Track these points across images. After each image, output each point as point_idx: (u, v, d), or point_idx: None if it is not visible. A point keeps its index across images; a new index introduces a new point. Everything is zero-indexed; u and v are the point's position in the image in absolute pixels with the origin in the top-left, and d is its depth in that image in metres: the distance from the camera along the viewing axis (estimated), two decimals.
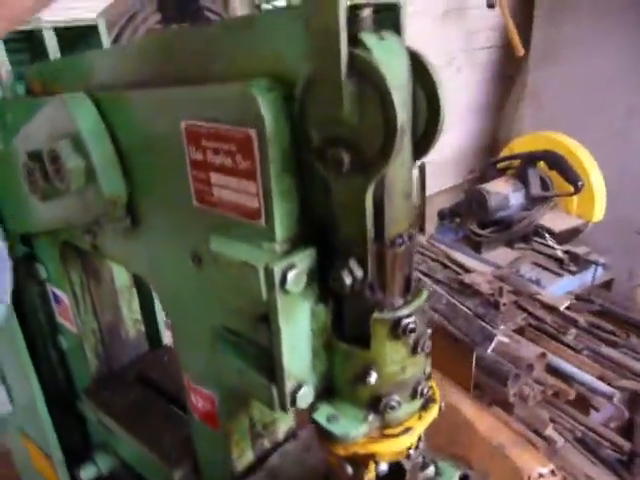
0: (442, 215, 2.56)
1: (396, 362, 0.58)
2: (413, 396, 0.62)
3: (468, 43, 3.13)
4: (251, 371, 0.64)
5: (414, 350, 0.59)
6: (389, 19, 0.52)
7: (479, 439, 1.85)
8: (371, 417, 0.60)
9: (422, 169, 3.46)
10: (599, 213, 2.28)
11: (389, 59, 0.48)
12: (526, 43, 3.08)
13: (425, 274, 2.30)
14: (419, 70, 0.52)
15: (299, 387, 0.61)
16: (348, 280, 0.54)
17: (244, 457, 0.88)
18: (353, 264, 0.55)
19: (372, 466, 0.66)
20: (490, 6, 2.99)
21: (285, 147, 0.54)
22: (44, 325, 1.17)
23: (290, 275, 0.54)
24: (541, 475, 1.70)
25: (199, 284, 0.70)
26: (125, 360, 1.23)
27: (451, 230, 2.55)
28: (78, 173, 0.74)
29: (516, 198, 2.25)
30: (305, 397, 0.62)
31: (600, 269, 2.23)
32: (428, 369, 0.63)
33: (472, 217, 2.33)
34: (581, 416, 2.22)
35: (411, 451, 0.70)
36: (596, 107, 2.79)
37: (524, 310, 2.06)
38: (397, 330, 0.56)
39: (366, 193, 0.51)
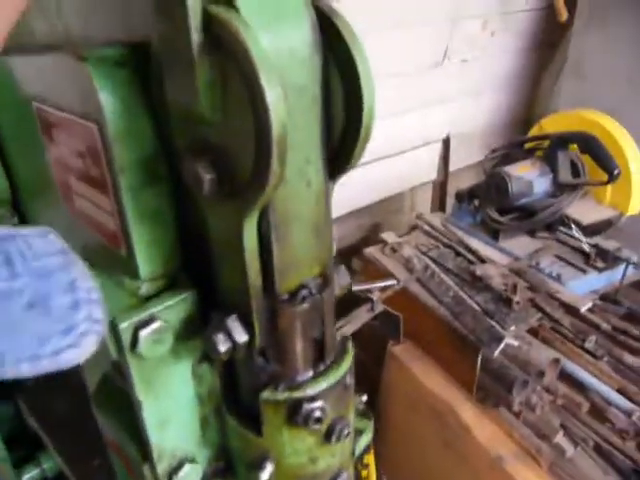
0: (460, 197, 2.35)
1: (300, 453, 0.42)
2: None
3: (505, 5, 2.82)
4: (126, 442, 0.49)
5: (328, 440, 0.42)
6: None
7: (476, 449, 1.70)
8: None
9: (446, 142, 3.22)
10: (636, 205, 2.04)
11: (267, 23, 0.30)
12: (571, 6, 2.75)
13: (434, 261, 2.11)
14: (335, 45, 0.34)
15: (179, 466, 0.46)
16: (223, 346, 0.38)
17: None
18: (232, 324, 0.38)
19: None
20: None
21: (145, 151, 0.37)
22: None
23: (143, 334, 0.38)
24: None
25: None
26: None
27: (468, 214, 2.34)
28: None
29: (541, 184, 2.02)
30: (186, 478, 0.47)
31: (631, 268, 2.00)
32: (349, 452, 0.47)
33: (491, 202, 2.11)
34: (596, 424, 2.04)
35: None
36: None
37: (540, 309, 1.86)
38: (296, 417, 0.40)
39: (242, 227, 0.34)
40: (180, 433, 0.46)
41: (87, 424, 0.96)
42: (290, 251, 0.36)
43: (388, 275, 1.98)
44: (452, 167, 3.23)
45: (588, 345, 1.81)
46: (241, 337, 0.39)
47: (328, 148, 0.37)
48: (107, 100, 0.35)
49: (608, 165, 1.85)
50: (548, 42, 3.14)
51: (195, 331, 0.43)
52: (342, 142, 0.37)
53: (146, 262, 0.41)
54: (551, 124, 2.21)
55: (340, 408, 0.42)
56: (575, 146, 1.99)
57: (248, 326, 0.39)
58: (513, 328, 1.78)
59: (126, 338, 0.39)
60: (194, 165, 0.34)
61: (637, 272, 2.07)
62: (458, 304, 1.90)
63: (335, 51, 0.34)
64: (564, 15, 2.61)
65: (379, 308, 1.77)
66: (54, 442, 0.92)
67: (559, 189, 2.02)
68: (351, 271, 2.39)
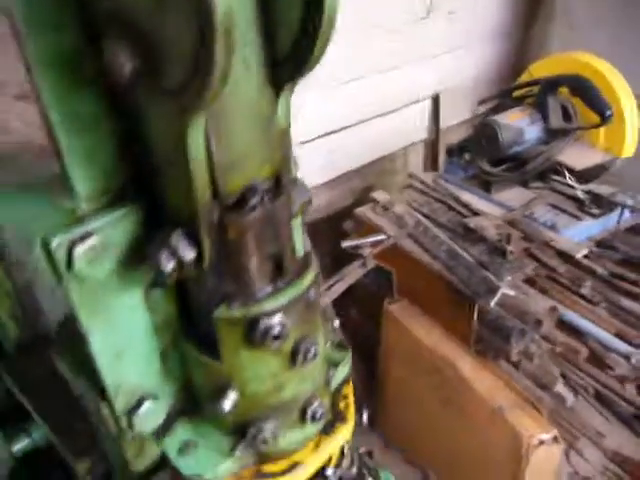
0: (450, 151, 2.30)
1: (264, 378, 0.39)
2: (302, 420, 0.43)
3: None
4: (82, 381, 0.46)
5: (293, 361, 0.39)
6: None
7: (477, 400, 1.69)
8: (241, 449, 0.42)
9: (436, 100, 3.15)
10: (630, 147, 1.99)
11: None
12: None
13: (427, 216, 2.07)
14: None
15: (138, 404, 0.43)
16: (168, 265, 0.34)
17: (146, 454, 0.72)
18: (177, 240, 0.34)
19: None
20: None
21: (65, 45, 0.33)
22: None
23: (79, 250, 0.35)
24: (542, 442, 1.54)
25: None
26: (53, 323, 1.08)
27: (460, 168, 2.29)
28: None
29: (532, 131, 1.96)
30: (148, 416, 0.44)
31: (627, 212, 1.97)
32: (322, 380, 0.43)
33: (482, 153, 2.06)
34: (595, 371, 2.03)
35: (329, 471, 0.52)
36: (636, 25, 2.41)
37: (535, 259, 1.84)
38: (254, 335, 0.36)
39: (186, 133, 0.30)
40: (137, 367, 0.43)
41: (68, 389, 0.93)
42: (231, 144, 0.32)
43: (380, 233, 1.94)
44: (443, 124, 3.16)
45: (584, 291, 1.79)
46: (188, 254, 0.35)
47: (271, 30, 0.33)
48: None
49: (600, 106, 1.79)
50: None
51: (143, 254, 0.39)
52: (295, 45, 0.33)
53: (82, 178, 0.37)
54: (540, 69, 2.15)
55: (304, 327, 0.39)
56: (566, 90, 1.93)
57: (195, 242, 0.35)
58: (509, 278, 1.76)
59: (60, 256, 0.35)
60: (113, 47, 0.29)
61: (633, 216, 2.04)
62: (452, 258, 1.86)
63: None
64: None
65: (371, 264, 1.74)
66: (36, 407, 0.90)
67: (551, 135, 1.97)
68: (343, 233, 2.36)
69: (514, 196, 2.15)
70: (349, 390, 0.49)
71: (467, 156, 2.25)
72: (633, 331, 1.78)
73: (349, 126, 2.77)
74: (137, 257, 0.39)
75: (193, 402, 0.46)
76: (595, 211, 1.97)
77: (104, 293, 0.38)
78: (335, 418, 0.46)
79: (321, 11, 0.33)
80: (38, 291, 1.05)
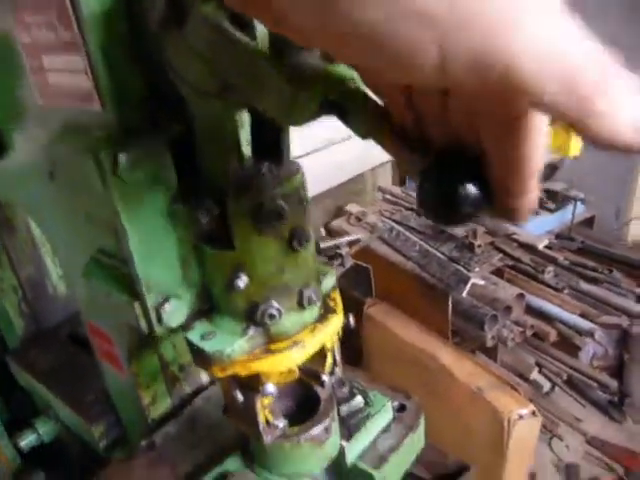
0: None
1: (269, 261, 0.49)
2: (300, 304, 0.53)
3: None
4: (115, 292, 0.55)
5: (291, 246, 0.49)
6: None
7: (458, 385, 1.78)
8: (252, 331, 0.52)
9: None
10: (577, 146, 2.17)
11: None
12: None
13: (398, 222, 2.21)
14: None
15: (165, 301, 0.53)
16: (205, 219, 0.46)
17: (160, 403, 0.80)
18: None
19: (269, 397, 0.57)
20: None
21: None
22: None
23: (123, 157, 0.45)
24: (521, 416, 1.64)
25: (60, 201, 0.61)
26: (56, 318, 1.15)
27: None
28: None
29: None
30: (173, 313, 0.53)
31: (580, 205, 2.14)
32: (313, 273, 0.54)
33: None
34: (567, 358, 2.15)
35: (324, 377, 0.62)
36: None
37: (501, 251, 1.98)
38: (260, 219, 0.47)
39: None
40: (164, 270, 0.52)
41: (77, 369, 1.00)
42: None
43: (355, 241, 2.06)
44: None
45: (548, 276, 1.93)
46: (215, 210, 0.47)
47: None
48: None
49: None
50: None
51: (166, 171, 0.50)
52: None
53: (116, 109, 0.48)
54: None
55: (298, 219, 0.49)
56: None
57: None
58: (477, 269, 1.88)
59: (107, 164, 0.45)
60: None
61: (586, 210, 2.21)
62: (424, 256, 1.99)
63: None
64: None
65: (349, 262, 1.86)
66: (47, 387, 0.97)
67: None
68: (319, 251, 2.47)
69: None
70: (336, 294, 0.59)
71: None
72: (594, 311, 1.92)
73: (319, 149, 2.91)
74: (164, 173, 0.49)
75: (210, 306, 0.55)
76: (551, 206, 2.14)
77: (139, 195, 0.48)
78: (326, 311, 0.57)
79: None
80: (43, 286, 1.13)
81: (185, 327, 0.54)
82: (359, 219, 2.31)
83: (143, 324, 0.53)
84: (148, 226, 0.49)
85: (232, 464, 0.66)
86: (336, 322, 0.56)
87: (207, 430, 0.77)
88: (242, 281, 0.49)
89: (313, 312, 0.54)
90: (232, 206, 0.46)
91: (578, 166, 2.23)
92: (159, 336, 0.64)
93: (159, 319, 0.53)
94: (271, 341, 0.53)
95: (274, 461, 0.63)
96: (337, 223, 2.34)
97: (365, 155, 3.18)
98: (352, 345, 2.17)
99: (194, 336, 0.52)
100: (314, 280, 0.54)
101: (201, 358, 0.52)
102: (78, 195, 0.55)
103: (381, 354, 2.07)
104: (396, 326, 2.04)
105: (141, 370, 0.75)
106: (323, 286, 0.57)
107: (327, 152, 2.92)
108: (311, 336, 0.54)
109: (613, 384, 2.00)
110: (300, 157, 2.81)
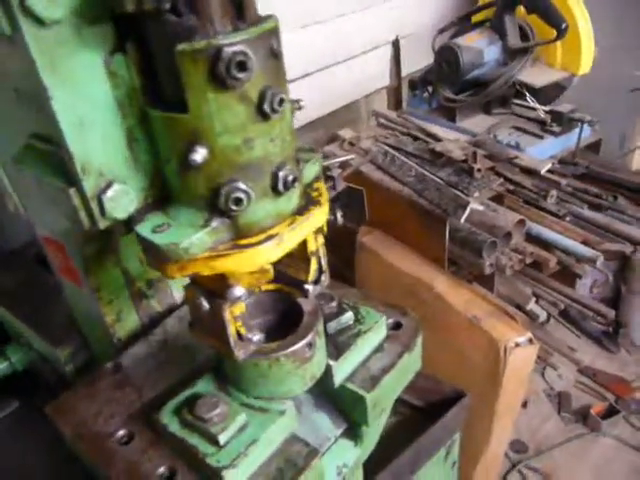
0: (413, 85, 2.31)
1: (232, 129, 0.38)
2: (274, 189, 0.43)
3: None
4: (47, 177, 0.45)
5: (260, 111, 0.39)
6: None
7: (454, 313, 1.72)
8: (215, 222, 0.42)
9: (396, 44, 3.14)
10: (586, 63, 2.02)
11: None
12: None
13: (393, 147, 2.08)
14: None
15: (107, 187, 0.43)
16: None
17: (126, 322, 0.71)
18: None
19: (240, 305, 0.48)
20: None
21: None
22: None
23: None
24: (518, 344, 1.59)
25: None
26: (22, 239, 1.05)
27: (423, 102, 2.30)
28: None
29: (492, 52, 1.98)
30: (119, 201, 0.43)
31: (587, 129, 2.02)
32: (291, 149, 0.43)
33: (444, 80, 2.07)
34: (565, 288, 2.10)
35: (308, 286, 0.52)
36: None
37: (501, 176, 1.87)
38: (218, 68, 0.36)
39: None
40: (103, 144, 0.42)
41: (43, 291, 0.92)
42: None
43: (348, 164, 1.95)
44: (405, 71, 3.15)
45: (550, 201, 1.83)
46: None
47: None
48: None
49: (556, 20, 1.82)
50: None
51: (102, 15, 0.38)
52: None
53: None
54: None
55: (270, 76, 0.39)
56: (522, 9, 1.95)
57: None
58: (477, 195, 1.79)
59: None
60: None
61: (593, 134, 2.09)
62: (421, 182, 1.88)
63: None
64: None
65: (341, 185, 1.75)
66: (10, 309, 0.89)
67: (510, 56, 1.99)
68: None
69: (478, 122, 2.18)
70: (321, 185, 0.49)
71: (430, 89, 2.26)
72: (597, 238, 1.84)
73: (309, 74, 2.72)
74: (95, 15, 0.38)
75: (164, 197, 0.45)
76: (556, 129, 2.01)
77: (62, 49, 0.37)
78: (308, 203, 0.47)
79: None
80: (5, 209, 1.03)
81: (135, 220, 0.44)
82: (352, 144, 2.18)
83: (83, 216, 0.43)
84: (77, 84, 0.38)
85: (203, 386, 0.58)
86: (320, 216, 0.46)
87: (179, 351, 0.69)
88: (199, 154, 0.39)
89: (291, 201, 0.45)
90: (183, 56, 0.35)
91: (587, 90, 2.09)
92: (118, 244, 0.54)
93: (102, 210, 0.43)
94: (240, 235, 0.43)
95: (250, 382, 0.55)
96: (329, 149, 2.21)
97: (358, 81, 3.00)
98: (344, 275, 2.10)
99: (145, 229, 0.43)
100: (291, 160, 0.43)
101: (153, 255, 0.42)
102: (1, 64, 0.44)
103: (375, 284, 2.01)
104: (391, 255, 1.96)
105: (102, 284, 0.65)
106: (305, 174, 0.47)
107: (316, 78, 2.73)
108: (289, 229, 0.44)
109: (610, 313, 1.95)
110: (294, 80, 2.64)
